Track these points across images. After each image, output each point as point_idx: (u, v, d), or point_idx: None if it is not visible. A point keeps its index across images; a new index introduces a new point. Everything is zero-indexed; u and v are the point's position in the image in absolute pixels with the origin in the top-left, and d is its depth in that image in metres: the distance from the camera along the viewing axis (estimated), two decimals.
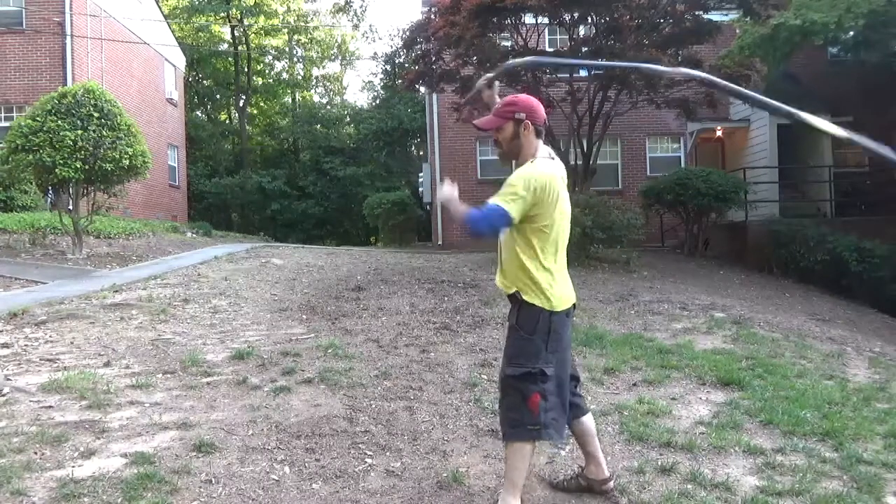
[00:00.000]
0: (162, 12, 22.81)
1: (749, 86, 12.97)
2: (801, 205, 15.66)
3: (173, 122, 22.66)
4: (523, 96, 2.95)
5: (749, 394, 4.61)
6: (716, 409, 4.36)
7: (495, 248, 3.03)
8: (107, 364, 4.76)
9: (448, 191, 2.84)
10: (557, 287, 2.86)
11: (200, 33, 31.36)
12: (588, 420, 3.12)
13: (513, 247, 2.86)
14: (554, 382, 2.84)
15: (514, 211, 2.71)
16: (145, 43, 20.20)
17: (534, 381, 2.79)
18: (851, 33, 11.97)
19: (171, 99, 22.48)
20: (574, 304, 2.98)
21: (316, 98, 36.25)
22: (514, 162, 2.97)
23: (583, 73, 14.14)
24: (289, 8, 32.58)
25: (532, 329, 2.82)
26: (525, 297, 2.83)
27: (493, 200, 2.72)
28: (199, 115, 32.57)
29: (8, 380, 4.38)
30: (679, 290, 9.05)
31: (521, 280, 2.85)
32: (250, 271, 9.21)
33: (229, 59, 31.71)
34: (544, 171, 2.81)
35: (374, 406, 4.11)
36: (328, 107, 34.28)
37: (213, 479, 3.13)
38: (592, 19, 12.72)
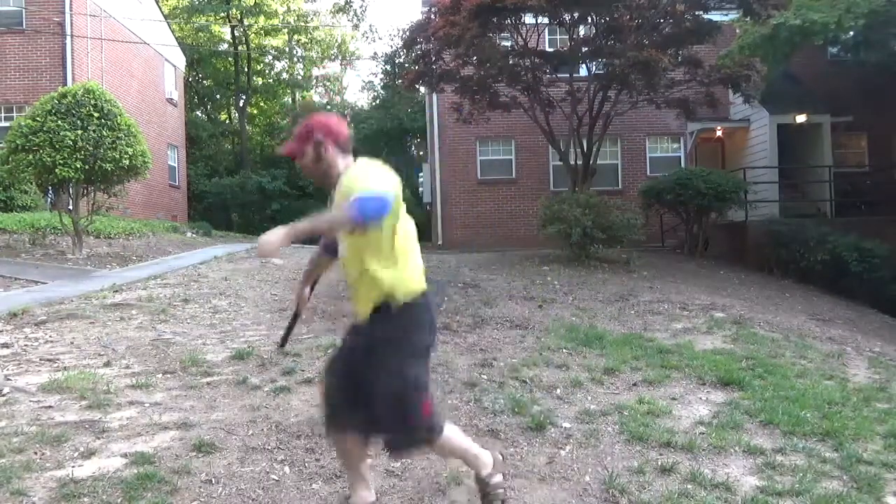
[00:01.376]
0: (162, 12, 22.80)
1: (749, 86, 12.98)
2: (801, 205, 15.66)
3: (173, 122, 22.65)
4: (319, 117, 2.78)
5: (749, 394, 4.61)
6: (716, 409, 4.36)
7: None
8: (107, 364, 4.76)
9: (274, 234, 2.41)
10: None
11: (200, 33, 31.34)
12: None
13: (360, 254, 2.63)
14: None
15: (392, 195, 2.50)
16: (145, 43, 20.19)
17: (425, 387, 2.70)
18: (851, 33, 11.95)
19: (171, 99, 22.48)
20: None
21: (316, 98, 36.26)
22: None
23: (583, 72, 14.15)
24: (289, 8, 32.56)
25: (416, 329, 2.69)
26: (402, 299, 2.63)
27: (362, 190, 2.44)
28: (199, 115, 32.55)
29: (8, 380, 4.38)
30: (679, 290, 9.05)
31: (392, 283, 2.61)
32: (250, 271, 9.21)
33: (229, 59, 31.69)
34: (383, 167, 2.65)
35: None
36: (328, 107, 34.27)
37: (213, 479, 3.13)
38: (592, 19, 12.73)
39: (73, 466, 3.19)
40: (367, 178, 2.54)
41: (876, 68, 14.48)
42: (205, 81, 32.90)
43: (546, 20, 13.26)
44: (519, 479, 3.25)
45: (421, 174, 20.06)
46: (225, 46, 32.34)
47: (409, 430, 2.66)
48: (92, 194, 10.74)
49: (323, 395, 2.86)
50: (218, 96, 33.44)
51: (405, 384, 2.62)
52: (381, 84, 31.35)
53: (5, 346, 5.22)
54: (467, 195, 17.45)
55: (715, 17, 12.98)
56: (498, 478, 2.90)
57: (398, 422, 2.65)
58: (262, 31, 31.87)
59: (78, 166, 9.85)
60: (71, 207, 10.70)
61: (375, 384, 2.62)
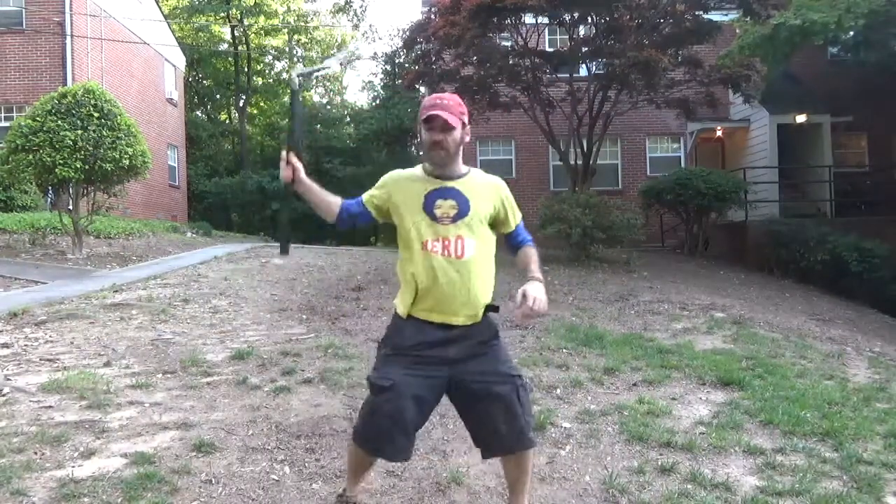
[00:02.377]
0: (162, 12, 22.80)
1: (749, 86, 12.97)
2: (801, 205, 15.66)
3: (173, 122, 22.66)
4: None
5: (749, 394, 4.61)
6: (716, 409, 4.35)
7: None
8: (107, 364, 4.76)
9: (543, 293, 2.63)
10: None
11: (200, 33, 31.36)
12: None
13: (488, 257, 2.72)
14: None
15: None
16: (145, 43, 20.20)
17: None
18: (851, 33, 11.95)
19: (171, 99, 22.48)
20: None
21: (316, 98, 36.26)
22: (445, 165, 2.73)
23: (583, 72, 14.16)
24: (289, 8, 32.56)
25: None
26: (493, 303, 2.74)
27: (520, 220, 2.91)
28: (199, 115, 32.56)
29: (8, 380, 4.38)
30: (679, 290, 9.05)
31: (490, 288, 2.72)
32: (250, 271, 9.21)
33: (229, 59, 31.69)
34: None
35: None
36: (328, 107, 34.28)
37: (213, 479, 3.13)
38: (592, 19, 12.73)
39: (73, 466, 3.19)
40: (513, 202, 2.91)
41: (876, 68, 14.47)
42: (205, 81, 32.90)
43: (546, 20, 13.27)
44: None
45: None
46: (225, 46, 32.35)
47: (529, 424, 2.63)
48: (92, 194, 10.74)
49: (392, 419, 2.49)
50: (218, 96, 33.44)
51: (522, 377, 2.70)
52: (381, 84, 31.31)
53: (5, 346, 5.22)
54: None
55: (715, 17, 12.98)
56: None
57: (526, 415, 2.61)
58: (262, 31, 31.87)
59: (78, 166, 9.85)
60: (71, 207, 10.70)
61: (505, 383, 2.59)
